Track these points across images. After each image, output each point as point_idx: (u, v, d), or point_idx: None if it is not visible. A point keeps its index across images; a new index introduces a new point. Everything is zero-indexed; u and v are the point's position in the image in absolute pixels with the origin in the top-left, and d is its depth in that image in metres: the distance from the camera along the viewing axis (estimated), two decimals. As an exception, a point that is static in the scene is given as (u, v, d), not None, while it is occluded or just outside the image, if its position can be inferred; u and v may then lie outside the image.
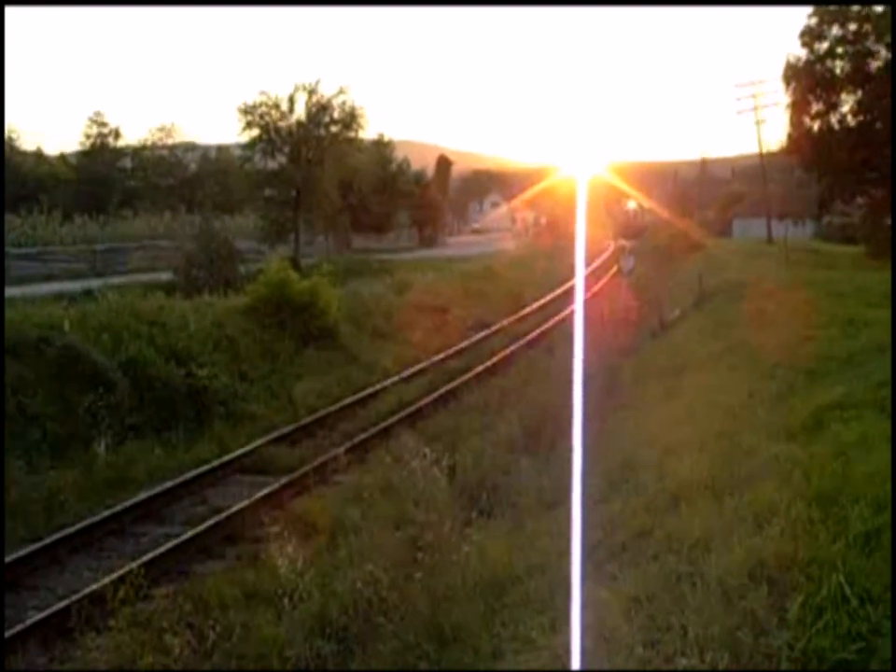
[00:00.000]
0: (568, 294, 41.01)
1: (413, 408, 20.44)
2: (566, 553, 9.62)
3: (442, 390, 22.24)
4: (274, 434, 18.69)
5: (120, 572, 11.06)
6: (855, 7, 42.71)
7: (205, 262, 37.75)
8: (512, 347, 28.30)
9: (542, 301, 41.03)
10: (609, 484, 10.85)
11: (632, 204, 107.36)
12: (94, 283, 34.13)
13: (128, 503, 14.44)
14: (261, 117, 55.36)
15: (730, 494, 9.10)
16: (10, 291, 28.19)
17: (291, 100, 55.72)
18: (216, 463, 16.73)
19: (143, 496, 14.86)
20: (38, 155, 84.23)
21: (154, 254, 51.43)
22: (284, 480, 15.40)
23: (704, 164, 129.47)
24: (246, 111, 54.87)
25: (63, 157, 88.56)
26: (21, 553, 12.25)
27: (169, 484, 15.46)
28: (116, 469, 16.10)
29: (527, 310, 38.36)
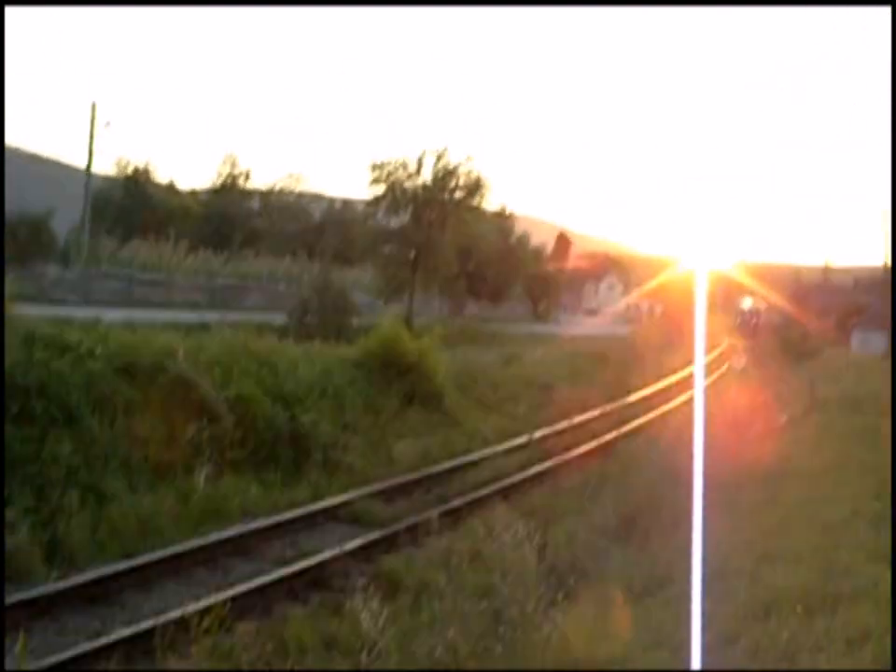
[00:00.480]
0: (674, 388, 40.59)
1: (509, 481, 20.35)
2: (649, 647, 9.48)
3: (540, 467, 22.12)
4: (370, 488, 18.77)
5: (206, 602, 11.19)
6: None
7: (320, 310, 38.34)
8: (614, 433, 28.04)
9: (648, 391, 40.64)
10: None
11: (748, 303, 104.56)
12: (211, 316, 34.88)
13: (221, 536, 14.63)
14: (389, 175, 56.30)
15: (822, 611, 8.91)
16: (132, 314, 29.02)
17: (420, 162, 56.62)
18: (311, 508, 16.86)
19: (236, 531, 15.04)
20: (171, 188, 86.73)
21: (271, 295, 52.43)
22: (375, 534, 15.45)
23: (826, 271, 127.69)
24: (375, 167, 55.88)
25: (194, 192, 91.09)
26: (113, 569, 12.49)
27: (263, 523, 15.62)
28: (213, 501, 16.33)
29: (633, 398, 38.02)
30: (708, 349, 62.63)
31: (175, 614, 10.88)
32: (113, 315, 27.42)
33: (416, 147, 61.95)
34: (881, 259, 61.31)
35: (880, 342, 63.85)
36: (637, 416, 32.24)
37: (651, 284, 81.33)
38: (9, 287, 20.69)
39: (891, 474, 9.49)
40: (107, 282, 50.10)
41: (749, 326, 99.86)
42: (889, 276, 61.83)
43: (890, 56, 40.52)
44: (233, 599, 11.58)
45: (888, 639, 7.62)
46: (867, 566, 10.24)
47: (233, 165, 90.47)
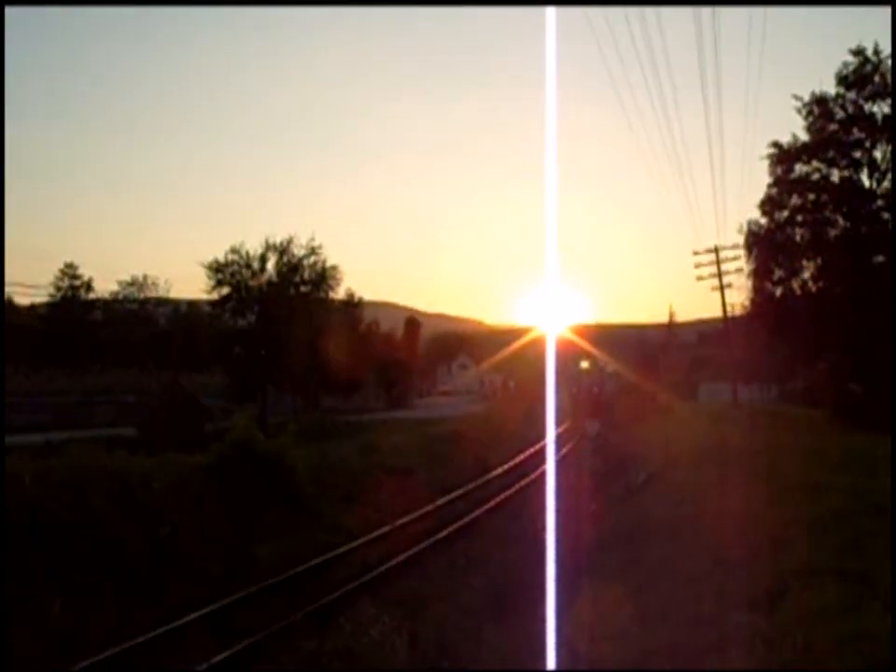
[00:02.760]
0: (529, 461, 41.01)
1: (375, 572, 20.15)
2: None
3: (405, 555, 21.99)
4: (234, 596, 18.33)
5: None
6: (814, 177, 44.31)
7: (171, 419, 37.69)
8: (477, 512, 28.12)
9: (508, 465, 40.93)
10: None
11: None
12: (59, 436, 33.91)
13: (84, 664, 14.07)
14: (232, 275, 55.96)
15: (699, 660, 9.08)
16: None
17: (263, 259, 56.49)
18: (174, 624, 16.37)
19: (99, 657, 14.47)
20: (9, 305, 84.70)
21: (121, 408, 51.29)
22: (242, 644, 15.08)
23: (670, 328, 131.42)
24: (218, 269, 55.43)
25: (33, 307, 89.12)
26: None
27: (123, 647, 15.08)
28: (70, 631, 15.71)
29: (493, 474, 38.23)
30: (563, 418, 63.70)
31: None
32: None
33: (259, 240, 61.54)
34: (720, 310, 63.35)
35: (726, 391, 65.91)
36: (498, 493, 32.42)
37: (499, 356, 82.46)
38: None
39: (891, 473, 9.72)
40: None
41: (588, 395, 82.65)
42: (728, 327, 64.13)
43: (891, 56, 42.55)
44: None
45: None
46: (731, 613, 10.45)
47: (73, 277, 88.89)
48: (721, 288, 62.03)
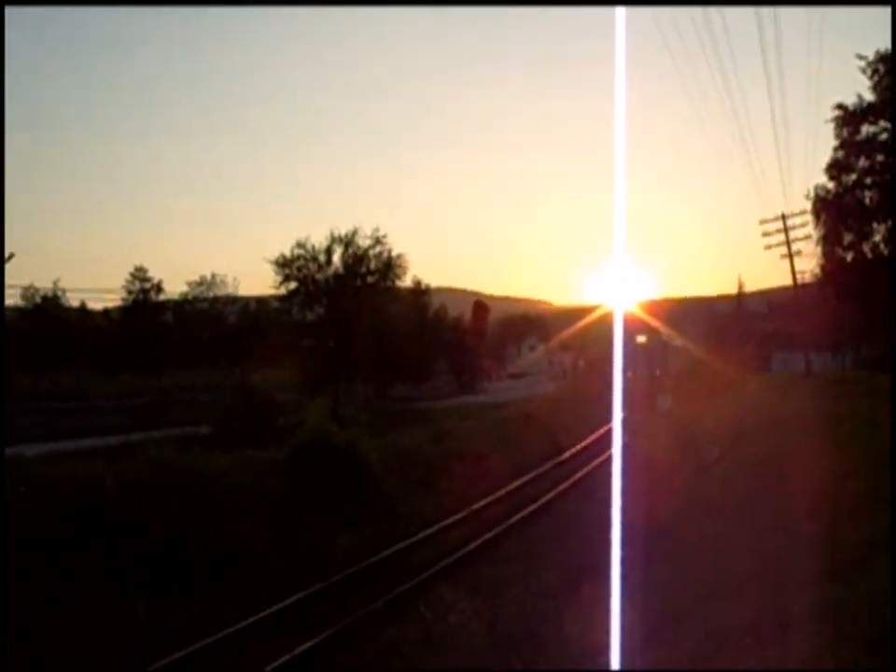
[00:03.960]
0: (607, 437, 40.87)
1: (452, 558, 20.30)
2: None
3: (482, 539, 22.11)
4: (314, 589, 18.56)
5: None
6: (882, 137, 43.49)
7: (245, 415, 38.12)
8: (551, 494, 28.17)
9: (581, 445, 40.93)
10: (647, 634, 10.74)
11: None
12: (136, 437, 34.53)
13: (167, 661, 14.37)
14: (299, 270, 56.27)
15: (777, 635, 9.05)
16: (55, 447, 28.62)
17: (328, 252, 56.72)
18: (256, 617, 16.63)
19: (179, 654, 14.77)
20: (83, 310, 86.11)
21: (195, 407, 51.99)
22: (324, 635, 15.29)
23: (740, 298, 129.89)
24: (284, 264, 55.78)
25: (106, 311, 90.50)
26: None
27: (209, 641, 15.36)
28: (155, 630, 16.04)
29: (566, 455, 38.24)
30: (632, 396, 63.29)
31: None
32: (35, 451, 27.02)
33: (324, 233, 61.89)
34: (790, 279, 62.38)
35: (799, 361, 65.04)
36: (571, 474, 32.43)
37: (567, 335, 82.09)
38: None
39: (891, 472, 9.68)
40: (26, 417, 49.29)
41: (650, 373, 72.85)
42: (799, 295, 63.24)
43: (890, 56, 41.99)
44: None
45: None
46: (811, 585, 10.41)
47: (143, 280, 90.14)
48: (791, 256, 61.24)
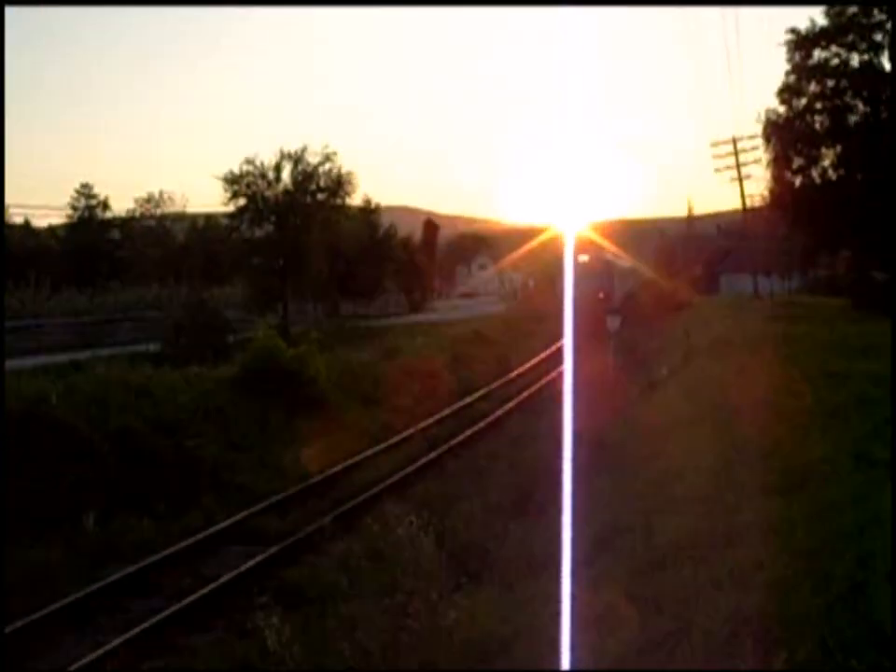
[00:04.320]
0: (555, 356, 41.12)
1: (400, 475, 20.42)
2: (555, 616, 9.64)
3: (431, 455, 22.25)
4: (263, 504, 18.63)
5: (109, 647, 11.05)
6: (833, 62, 43.51)
7: (194, 332, 37.84)
8: (499, 412, 28.35)
9: (530, 364, 41.15)
10: (594, 546, 10.85)
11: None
12: (83, 355, 34.22)
13: (117, 576, 14.38)
14: (248, 186, 55.65)
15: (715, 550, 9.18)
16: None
17: (277, 168, 56.08)
18: (206, 533, 16.68)
19: (131, 569, 14.78)
20: (26, 227, 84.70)
21: (143, 325, 51.52)
22: (273, 549, 15.37)
23: (689, 221, 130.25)
24: (233, 181, 55.11)
25: (51, 229, 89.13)
26: (10, 629, 12.17)
27: (158, 557, 15.39)
28: (104, 543, 16.04)
29: (515, 373, 38.44)
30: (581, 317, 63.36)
31: (78, 664, 10.74)
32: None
33: (273, 148, 61.04)
34: (740, 202, 62.59)
35: (747, 283, 65.59)
36: (520, 392, 32.65)
37: (517, 255, 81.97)
38: None
39: (891, 465, 9.83)
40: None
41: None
42: (747, 219, 63.56)
43: (891, 56, 41.82)
44: (137, 639, 11.47)
45: (779, 566, 7.90)
46: (751, 502, 10.54)
47: (89, 196, 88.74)
48: (740, 179, 61.48)
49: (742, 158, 60.80)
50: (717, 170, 62.23)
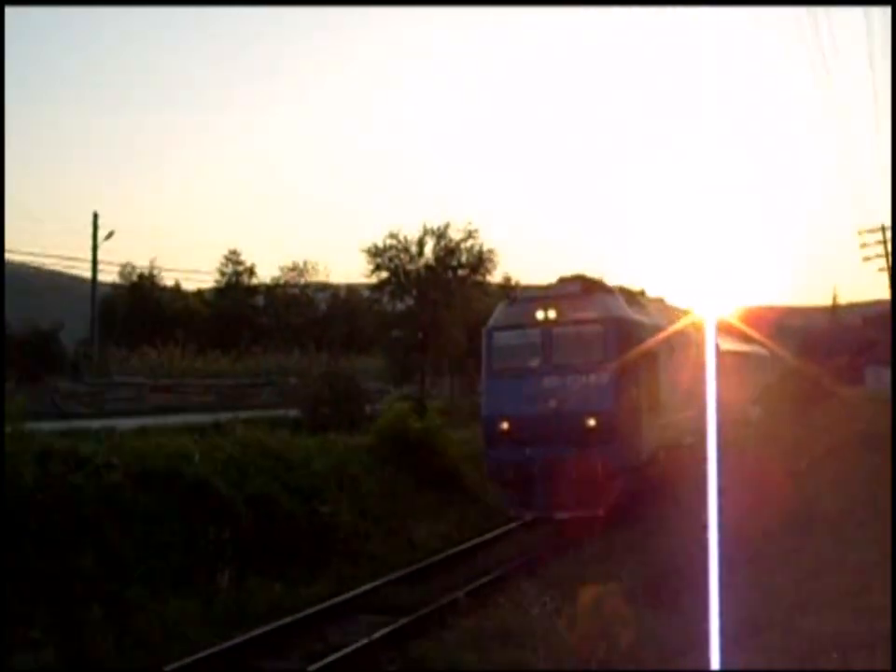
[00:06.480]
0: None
1: (533, 554, 20.23)
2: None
3: (561, 539, 21.98)
4: (394, 575, 18.66)
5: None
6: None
7: (332, 400, 38.35)
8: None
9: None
10: (731, 643, 10.55)
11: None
12: (224, 416, 34.98)
13: (248, 636, 14.55)
14: (390, 259, 56.42)
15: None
16: (145, 421, 29.14)
17: (420, 243, 56.74)
18: (336, 600, 16.77)
19: (262, 630, 14.94)
20: (176, 290, 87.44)
21: (283, 391, 52.50)
22: (403, 621, 15.35)
23: (834, 310, 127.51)
24: (376, 253, 55.96)
25: (199, 293, 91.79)
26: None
27: (288, 620, 15.53)
28: (237, 603, 16.28)
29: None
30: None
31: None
32: (126, 424, 27.53)
33: (416, 224, 61.88)
34: (887, 292, 60.96)
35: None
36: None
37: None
38: (21, 404, 20.83)
39: (892, 475, 9.48)
40: (119, 391, 50.21)
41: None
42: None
43: (890, 56, 40.93)
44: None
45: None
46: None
47: (237, 263, 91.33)
48: (890, 268, 59.87)
49: (891, 247, 59.36)
50: (865, 258, 60.87)
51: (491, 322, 23.74)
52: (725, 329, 60.09)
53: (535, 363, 22.23)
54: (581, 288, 22.42)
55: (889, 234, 59.34)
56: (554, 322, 22.05)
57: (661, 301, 28.58)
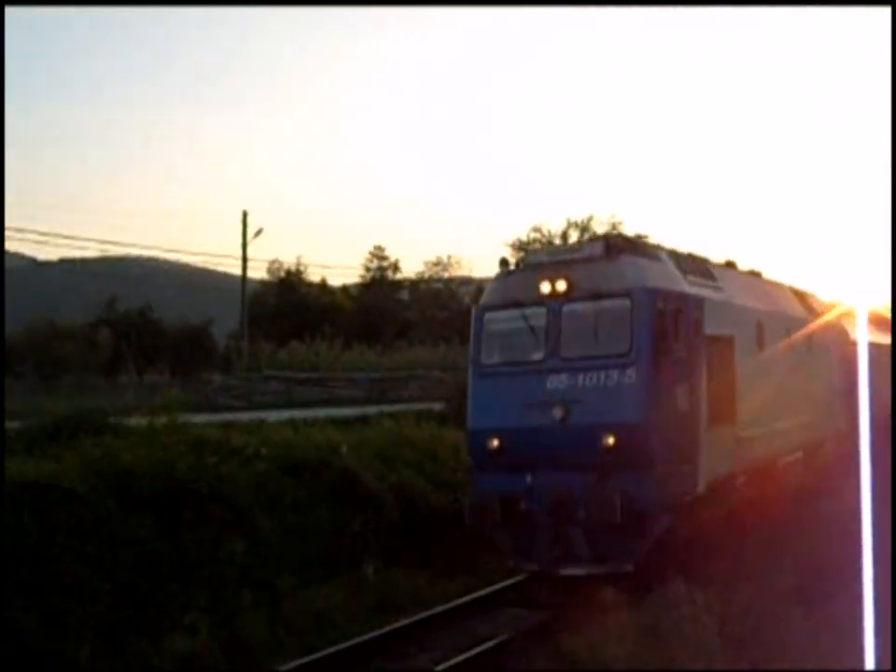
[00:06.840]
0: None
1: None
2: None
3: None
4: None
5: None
6: None
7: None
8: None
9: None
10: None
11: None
12: (370, 409, 35.34)
13: (394, 626, 14.67)
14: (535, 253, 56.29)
15: None
16: (294, 413, 29.67)
17: (564, 236, 56.52)
18: (482, 593, 16.76)
19: (408, 621, 15.05)
20: (323, 286, 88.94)
21: (428, 384, 52.80)
22: (548, 615, 15.27)
23: None
24: (520, 247, 55.93)
25: (345, 288, 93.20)
26: (294, 664, 12.65)
27: (436, 611, 15.59)
28: (383, 592, 16.46)
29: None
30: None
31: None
32: (276, 416, 28.08)
33: (560, 216, 61.64)
34: None
35: None
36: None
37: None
38: (177, 396, 21.48)
39: (892, 474, 8.94)
40: (268, 384, 51.29)
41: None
42: None
43: (890, 56, 38.90)
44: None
45: None
46: None
47: (381, 258, 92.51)
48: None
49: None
50: None
51: (483, 299, 17.59)
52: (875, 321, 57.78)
53: (537, 355, 16.02)
54: (604, 249, 16.14)
55: None
56: (565, 296, 15.74)
57: (757, 275, 23.20)
